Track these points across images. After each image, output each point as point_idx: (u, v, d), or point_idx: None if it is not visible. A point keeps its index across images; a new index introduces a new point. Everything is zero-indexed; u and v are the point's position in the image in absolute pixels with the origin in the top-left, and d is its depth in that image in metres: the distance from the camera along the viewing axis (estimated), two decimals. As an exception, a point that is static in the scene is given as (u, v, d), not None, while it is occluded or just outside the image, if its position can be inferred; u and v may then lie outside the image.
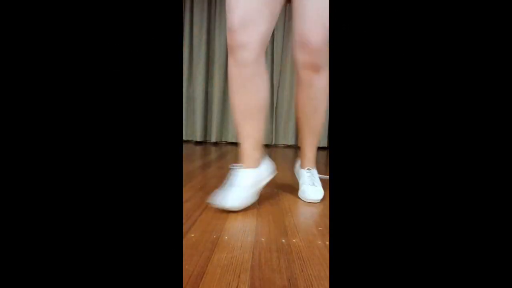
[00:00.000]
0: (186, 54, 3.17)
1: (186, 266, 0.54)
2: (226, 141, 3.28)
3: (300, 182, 1.10)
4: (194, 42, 3.16)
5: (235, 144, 3.20)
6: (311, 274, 0.54)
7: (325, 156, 2.50)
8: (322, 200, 1.05)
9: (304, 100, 1.03)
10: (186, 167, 1.59)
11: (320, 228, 0.78)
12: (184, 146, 2.80)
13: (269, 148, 2.95)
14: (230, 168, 1.00)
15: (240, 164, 0.96)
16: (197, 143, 3.18)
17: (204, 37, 3.13)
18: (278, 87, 3.19)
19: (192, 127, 3.26)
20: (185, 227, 0.74)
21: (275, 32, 3.10)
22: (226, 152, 2.40)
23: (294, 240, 0.69)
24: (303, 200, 1.04)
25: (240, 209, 0.88)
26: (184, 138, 3.25)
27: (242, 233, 0.71)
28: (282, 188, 1.21)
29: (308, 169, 1.10)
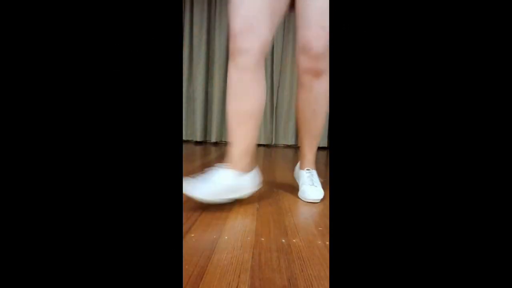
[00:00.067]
0: (186, 54, 3.17)
1: (186, 266, 0.54)
2: (226, 141, 3.28)
3: (300, 182, 1.10)
4: (194, 42, 3.16)
5: (235, 144, 3.19)
6: (311, 274, 0.54)
7: (325, 156, 2.50)
8: (322, 200, 1.05)
9: (304, 104, 1.03)
10: (186, 167, 1.59)
11: (320, 228, 0.78)
12: (184, 146, 2.80)
13: (269, 148, 2.95)
14: (215, 166, 0.95)
15: (227, 164, 0.94)
16: (197, 143, 3.18)
17: (204, 37, 3.13)
18: (278, 87, 3.19)
19: (192, 127, 3.26)
20: (185, 227, 0.74)
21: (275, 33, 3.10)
22: (226, 152, 2.40)
23: (294, 240, 0.69)
24: (303, 200, 1.04)
25: (207, 202, 0.87)
26: (184, 138, 3.25)
27: (242, 233, 0.71)
28: (282, 188, 1.21)
29: (307, 169, 1.10)
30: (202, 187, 0.85)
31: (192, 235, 0.69)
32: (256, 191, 1.13)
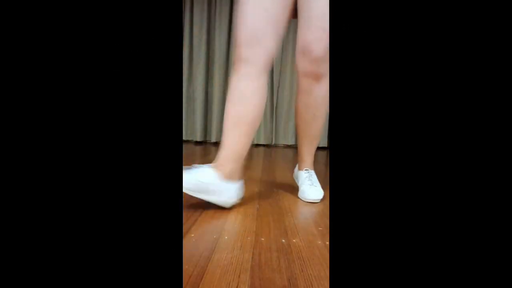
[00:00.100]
0: (186, 54, 3.17)
1: (186, 266, 0.54)
2: (226, 141, 3.27)
3: (299, 183, 1.10)
4: (194, 42, 3.16)
5: (235, 144, 3.19)
6: (311, 274, 0.54)
7: (325, 156, 2.50)
8: (322, 200, 1.05)
9: (303, 107, 1.03)
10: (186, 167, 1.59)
11: (320, 228, 0.78)
12: (184, 146, 2.80)
13: (269, 148, 2.95)
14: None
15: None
16: (197, 143, 3.18)
17: (204, 37, 3.13)
18: (278, 87, 3.19)
19: (192, 127, 3.26)
20: (185, 227, 0.74)
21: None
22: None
23: (294, 240, 0.69)
24: (303, 200, 1.04)
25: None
26: (184, 138, 3.25)
27: (242, 233, 0.71)
28: (282, 188, 1.21)
29: (306, 169, 1.10)
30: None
31: (192, 235, 0.69)
32: (256, 191, 1.13)
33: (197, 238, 0.67)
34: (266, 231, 0.74)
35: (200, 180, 0.84)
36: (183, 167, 0.93)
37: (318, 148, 3.12)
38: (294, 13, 1.00)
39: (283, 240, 0.68)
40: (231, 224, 0.77)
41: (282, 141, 3.23)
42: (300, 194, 1.06)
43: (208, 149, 2.58)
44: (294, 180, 1.37)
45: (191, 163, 1.76)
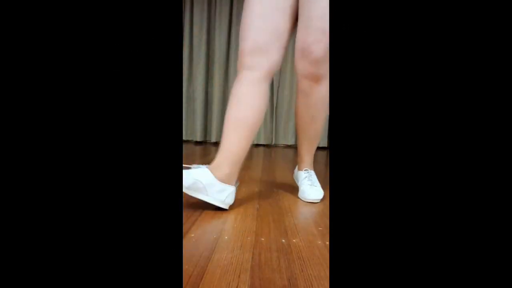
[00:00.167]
0: (186, 54, 3.17)
1: (186, 266, 0.54)
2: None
3: (299, 183, 1.10)
4: (194, 42, 3.16)
5: (235, 144, 3.19)
6: (311, 274, 0.54)
7: (325, 156, 2.50)
8: (322, 200, 1.05)
9: (303, 109, 1.03)
10: (186, 167, 1.59)
11: (320, 228, 0.78)
12: (184, 146, 2.80)
13: (269, 148, 2.95)
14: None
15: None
16: (197, 143, 3.18)
17: (204, 37, 3.13)
18: (278, 87, 3.19)
19: (192, 127, 3.26)
20: (185, 227, 0.74)
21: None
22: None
23: (294, 240, 0.69)
24: (303, 200, 1.04)
25: None
26: (184, 138, 3.25)
27: (242, 233, 0.71)
28: (282, 188, 1.21)
29: (305, 170, 1.11)
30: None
31: (192, 235, 0.69)
32: (256, 191, 1.13)
33: (197, 238, 0.67)
34: (266, 231, 0.74)
35: (197, 180, 0.84)
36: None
37: (318, 148, 3.12)
38: (297, 22, 1.00)
39: (283, 240, 0.68)
40: (231, 224, 0.77)
41: (282, 141, 3.23)
42: (300, 194, 1.06)
43: (208, 149, 2.58)
44: (294, 180, 1.37)
45: (191, 163, 1.76)
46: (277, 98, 3.20)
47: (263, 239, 0.69)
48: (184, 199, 0.98)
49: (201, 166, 0.89)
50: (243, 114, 0.89)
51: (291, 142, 3.22)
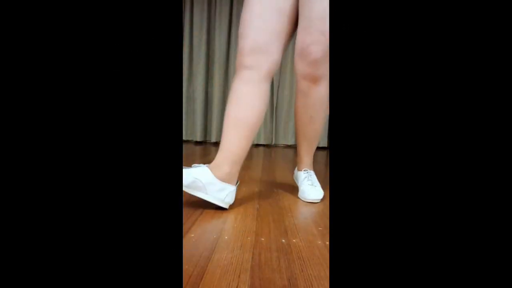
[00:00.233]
0: (186, 54, 3.17)
1: (186, 266, 0.54)
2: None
3: (299, 183, 1.10)
4: (194, 42, 3.16)
5: (235, 144, 3.20)
6: (311, 274, 0.54)
7: (325, 156, 2.50)
8: (322, 200, 1.05)
9: (302, 109, 1.04)
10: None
11: (320, 228, 0.78)
12: (184, 146, 2.80)
13: (269, 148, 2.95)
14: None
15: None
16: (197, 143, 3.18)
17: (204, 37, 3.13)
18: (278, 87, 3.19)
19: (192, 127, 3.26)
20: (185, 227, 0.74)
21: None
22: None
23: (294, 240, 0.69)
24: (303, 200, 1.04)
25: None
26: (184, 138, 3.25)
27: (242, 233, 0.71)
28: (282, 188, 1.21)
29: (305, 170, 1.11)
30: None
31: (192, 235, 0.69)
32: (256, 191, 1.13)
33: (197, 238, 0.67)
34: (266, 231, 0.74)
35: (197, 178, 0.84)
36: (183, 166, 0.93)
37: (318, 148, 3.12)
38: (297, 22, 1.00)
39: (283, 240, 0.68)
40: (231, 224, 0.77)
41: (282, 141, 3.23)
42: (300, 194, 1.06)
43: (208, 149, 2.58)
44: (294, 180, 1.37)
45: (191, 163, 1.76)
46: (277, 98, 3.20)
47: (263, 239, 0.69)
48: (184, 199, 0.98)
49: (201, 165, 0.89)
50: (243, 114, 0.89)
51: (291, 142, 3.22)
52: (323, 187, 1.26)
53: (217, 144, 3.15)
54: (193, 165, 0.89)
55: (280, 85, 3.19)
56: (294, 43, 3.12)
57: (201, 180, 0.84)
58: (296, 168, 1.19)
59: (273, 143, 3.24)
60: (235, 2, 3.08)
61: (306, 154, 1.11)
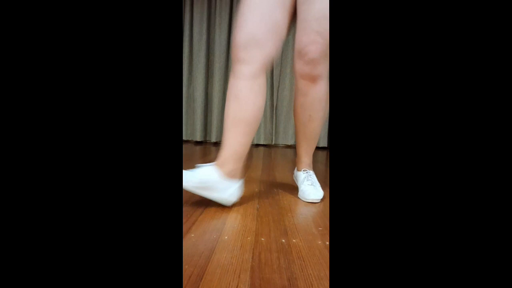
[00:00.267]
0: (186, 54, 3.17)
1: (186, 266, 0.54)
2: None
3: (299, 183, 1.10)
4: (194, 42, 3.16)
5: (235, 144, 3.20)
6: (311, 274, 0.54)
7: (325, 156, 2.50)
8: (322, 200, 1.05)
9: (300, 109, 1.04)
10: (186, 167, 1.59)
11: (320, 228, 0.78)
12: (184, 146, 2.80)
13: (269, 148, 2.95)
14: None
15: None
16: (197, 143, 3.18)
17: (204, 37, 3.13)
18: (278, 87, 3.19)
19: (192, 127, 3.26)
20: (185, 227, 0.74)
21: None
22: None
23: (294, 240, 0.69)
24: (303, 200, 1.04)
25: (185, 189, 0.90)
26: (184, 138, 3.25)
27: (242, 233, 0.71)
28: (282, 188, 1.21)
29: (304, 170, 1.11)
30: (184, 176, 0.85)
31: (192, 235, 0.69)
32: (256, 191, 1.13)
33: (197, 238, 0.67)
34: (266, 231, 0.74)
35: (203, 178, 0.85)
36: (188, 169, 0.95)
37: (318, 148, 3.12)
38: (294, 15, 1.00)
39: (283, 240, 0.68)
40: (231, 224, 0.77)
41: (282, 141, 3.23)
42: (300, 194, 1.06)
43: (208, 149, 2.58)
44: (294, 180, 1.37)
45: (191, 163, 1.76)
46: (277, 98, 3.20)
47: (263, 239, 0.69)
48: (184, 199, 0.98)
49: (206, 165, 0.90)
50: (242, 111, 0.89)
51: (291, 142, 3.22)
52: (323, 187, 1.26)
53: (217, 144, 3.15)
54: (196, 165, 0.90)
55: (280, 85, 3.19)
56: (293, 44, 3.12)
57: (207, 180, 0.85)
58: (295, 168, 1.19)
59: (273, 143, 3.24)
60: (235, 2, 3.08)
61: (306, 154, 1.11)
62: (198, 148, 2.68)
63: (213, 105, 3.15)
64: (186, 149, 2.55)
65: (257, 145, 3.18)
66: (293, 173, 1.59)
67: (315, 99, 1.01)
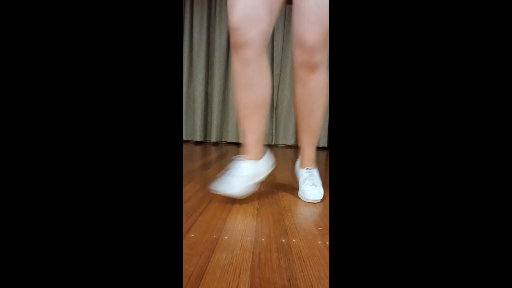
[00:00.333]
0: (186, 54, 3.17)
1: (186, 266, 0.54)
2: (226, 141, 3.28)
3: (300, 182, 1.10)
4: (194, 42, 3.16)
5: (235, 144, 3.20)
6: (311, 274, 0.54)
7: (325, 156, 2.50)
8: (322, 200, 1.05)
9: (301, 100, 1.04)
10: (186, 167, 1.59)
11: (320, 228, 0.78)
12: (184, 146, 2.80)
13: (269, 148, 2.95)
14: (233, 159, 1.10)
15: (243, 156, 1.00)
16: (197, 143, 3.18)
17: (204, 37, 3.13)
18: (278, 87, 3.19)
19: (192, 127, 3.26)
20: (185, 227, 0.74)
21: (275, 32, 3.10)
22: (226, 152, 2.40)
23: (294, 240, 0.69)
24: (303, 200, 1.04)
25: (239, 196, 0.97)
26: (184, 138, 3.25)
27: (242, 233, 0.71)
28: (282, 188, 1.21)
29: (307, 168, 1.10)
30: (231, 184, 0.93)
31: (192, 235, 0.69)
32: (256, 191, 1.13)
33: (197, 238, 0.67)
34: (266, 231, 0.74)
35: (247, 175, 0.95)
36: (221, 173, 1.00)
37: (318, 148, 3.12)
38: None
39: (283, 240, 0.68)
40: (231, 224, 0.77)
41: (282, 141, 3.23)
42: (300, 194, 1.06)
43: (208, 149, 2.58)
44: (294, 180, 1.37)
45: (191, 163, 1.76)
46: (277, 98, 3.20)
47: (263, 239, 0.69)
48: (184, 199, 0.98)
49: (238, 161, 1.00)
50: (255, 97, 0.94)
51: (291, 142, 3.22)
52: (323, 187, 1.26)
53: (217, 144, 3.15)
54: (233, 157, 1.00)
55: (280, 85, 3.19)
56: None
57: (250, 174, 0.96)
58: (298, 162, 1.17)
59: (273, 143, 3.24)
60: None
61: (308, 148, 1.10)
62: (198, 148, 2.68)
63: (213, 105, 3.15)
64: (186, 149, 2.55)
65: (257, 145, 3.17)
66: (293, 173, 1.59)
67: (315, 89, 1.01)
